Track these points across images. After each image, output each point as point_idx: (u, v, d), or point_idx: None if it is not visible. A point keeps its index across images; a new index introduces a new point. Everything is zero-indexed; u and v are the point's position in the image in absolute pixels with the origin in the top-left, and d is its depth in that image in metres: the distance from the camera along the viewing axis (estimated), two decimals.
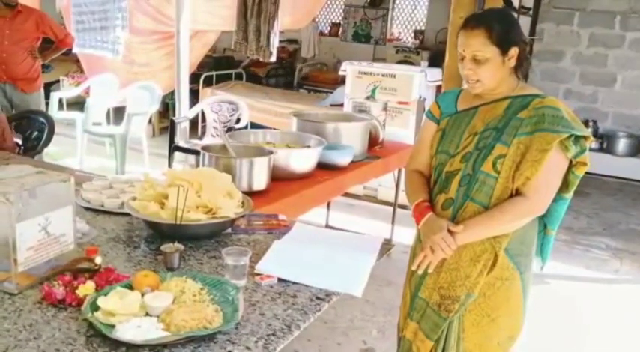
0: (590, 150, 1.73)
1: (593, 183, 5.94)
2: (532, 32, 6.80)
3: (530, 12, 6.73)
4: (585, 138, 1.68)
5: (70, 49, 5.30)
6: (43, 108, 4.80)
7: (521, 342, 1.90)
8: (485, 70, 1.72)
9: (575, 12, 6.80)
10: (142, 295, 1.36)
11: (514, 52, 1.72)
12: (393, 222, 4.18)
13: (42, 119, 3.84)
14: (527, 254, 1.83)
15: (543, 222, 1.85)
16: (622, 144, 6.52)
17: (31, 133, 3.78)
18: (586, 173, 1.75)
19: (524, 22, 6.24)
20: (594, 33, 6.75)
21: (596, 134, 6.57)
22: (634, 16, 6.52)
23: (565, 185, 1.75)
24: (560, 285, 3.77)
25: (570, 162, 1.71)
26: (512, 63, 1.74)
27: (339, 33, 8.97)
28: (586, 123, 6.43)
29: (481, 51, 1.70)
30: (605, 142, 6.61)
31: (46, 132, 3.77)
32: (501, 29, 1.69)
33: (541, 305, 3.06)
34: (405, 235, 3.63)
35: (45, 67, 5.12)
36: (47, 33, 4.72)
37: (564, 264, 4.06)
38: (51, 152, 5.07)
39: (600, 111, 6.87)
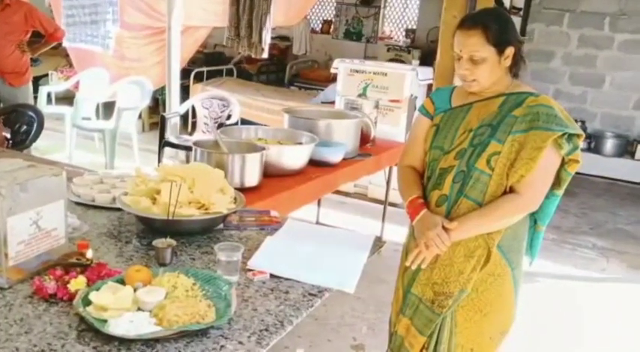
0: None
1: (581, 183, 5.99)
2: (522, 32, 6.83)
3: (521, 12, 6.76)
4: (578, 136, 1.71)
5: (60, 43, 5.25)
6: (31, 102, 4.75)
7: (510, 338, 1.91)
8: (482, 69, 1.72)
9: (566, 13, 6.84)
10: (134, 290, 1.36)
11: (510, 51, 1.73)
12: (383, 220, 4.19)
13: (31, 113, 3.80)
14: (519, 250, 1.85)
15: (534, 217, 1.87)
16: (610, 144, 6.57)
17: (20, 127, 3.73)
18: (575, 173, 1.77)
19: (515, 22, 6.27)
20: (584, 34, 6.80)
21: (584, 134, 6.61)
22: (623, 18, 6.57)
23: (557, 182, 1.77)
24: (548, 284, 3.80)
25: (563, 159, 1.73)
26: (508, 62, 1.75)
27: (331, 30, 8.96)
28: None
29: (478, 51, 1.70)
30: (594, 142, 6.66)
31: (35, 126, 3.72)
32: (498, 29, 1.70)
33: (529, 303, 3.08)
34: (396, 233, 3.64)
35: (33, 61, 5.05)
36: (36, 26, 4.66)
37: (552, 262, 4.09)
38: (39, 147, 5.02)
39: (589, 112, 6.92)
